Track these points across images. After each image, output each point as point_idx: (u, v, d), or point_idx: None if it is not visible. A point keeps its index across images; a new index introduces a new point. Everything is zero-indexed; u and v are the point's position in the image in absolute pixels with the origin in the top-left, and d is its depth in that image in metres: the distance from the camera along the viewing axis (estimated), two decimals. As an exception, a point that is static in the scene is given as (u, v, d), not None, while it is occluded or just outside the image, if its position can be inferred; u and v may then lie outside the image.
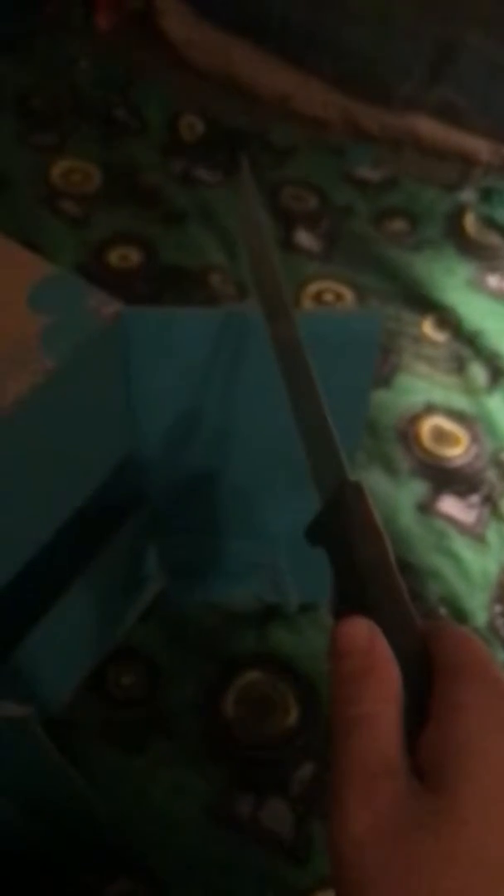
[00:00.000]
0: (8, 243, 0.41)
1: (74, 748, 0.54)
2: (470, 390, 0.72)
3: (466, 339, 0.75)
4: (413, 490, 0.66)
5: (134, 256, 0.81)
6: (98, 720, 0.55)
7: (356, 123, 0.94)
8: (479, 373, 0.73)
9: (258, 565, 0.57)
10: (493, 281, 0.80)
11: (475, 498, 0.66)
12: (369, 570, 0.28)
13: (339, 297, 0.78)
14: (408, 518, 0.64)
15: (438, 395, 0.71)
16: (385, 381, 0.72)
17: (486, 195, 0.88)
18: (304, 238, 0.83)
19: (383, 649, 0.27)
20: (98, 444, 0.44)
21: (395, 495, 0.65)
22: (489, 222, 0.85)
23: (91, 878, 0.50)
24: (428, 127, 0.91)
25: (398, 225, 0.85)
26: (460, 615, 0.60)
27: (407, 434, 0.69)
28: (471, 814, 0.24)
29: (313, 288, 0.79)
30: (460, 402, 0.71)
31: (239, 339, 0.42)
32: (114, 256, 0.81)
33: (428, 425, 0.69)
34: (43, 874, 0.49)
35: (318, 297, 0.78)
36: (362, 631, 0.27)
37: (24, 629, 0.48)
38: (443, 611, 0.60)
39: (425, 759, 0.25)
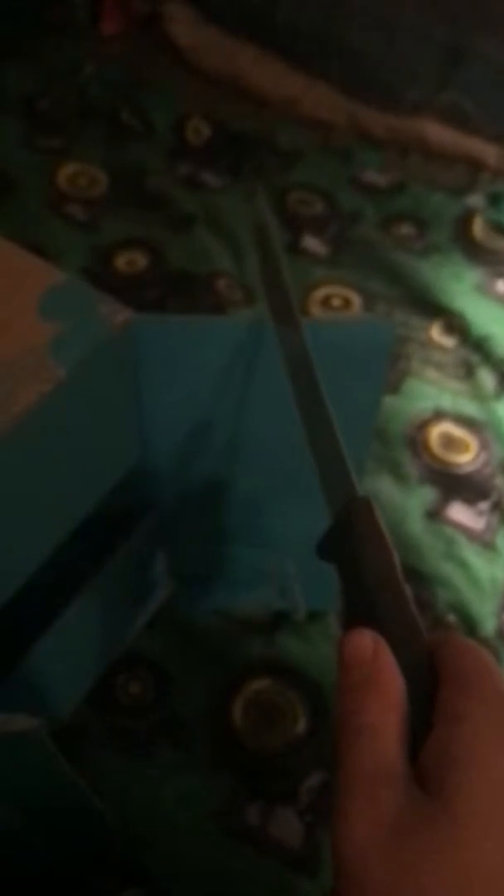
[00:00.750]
0: (17, 250, 0.41)
1: (82, 756, 0.54)
2: (478, 396, 0.71)
3: (475, 345, 0.75)
4: (422, 497, 0.66)
5: (141, 261, 0.81)
6: (106, 728, 0.55)
7: (363, 128, 0.94)
8: (487, 378, 0.73)
9: (266, 573, 0.57)
10: (501, 286, 0.80)
11: (484, 505, 0.65)
12: (376, 586, 0.29)
13: (346, 302, 0.78)
14: (416, 525, 0.64)
15: (447, 401, 0.71)
16: (393, 387, 0.72)
17: (494, 200, 0.88)
18: (311, 243, 0.83)
19: (387, 660, 0.27)
20: (108, 451, 0.44)
21: (403, 502, 0.65)
22: (497, 227, 0.85)
23: (100, 887, 0.49)
24: (435, 131, 0.91)
25: (406, 230, 0.85)
26: (469, 622, 0.60)
27: (415, 440, 0.68)
28: (470, 822, 0.24)
29: (321, 293, 0.79)
30: (469, 408, 0.71)
31: (250, 348, 0.42)
32: (121, 261, 0.80)
33: (436, 432, 0.69)
34: (52, 884, 0.48)
35: (325, 302, 0.78)
36: (367, 642, 0.27)
37: (33, 637, 0.48)
38: (451, 618, 0.60)
39: (426, 768, 0.25)
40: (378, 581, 0.29)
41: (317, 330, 0.36)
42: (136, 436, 0.45)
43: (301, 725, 0.56)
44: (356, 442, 0.35)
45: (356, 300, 0.78)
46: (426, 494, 0.66)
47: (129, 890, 0.50)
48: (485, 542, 0.64)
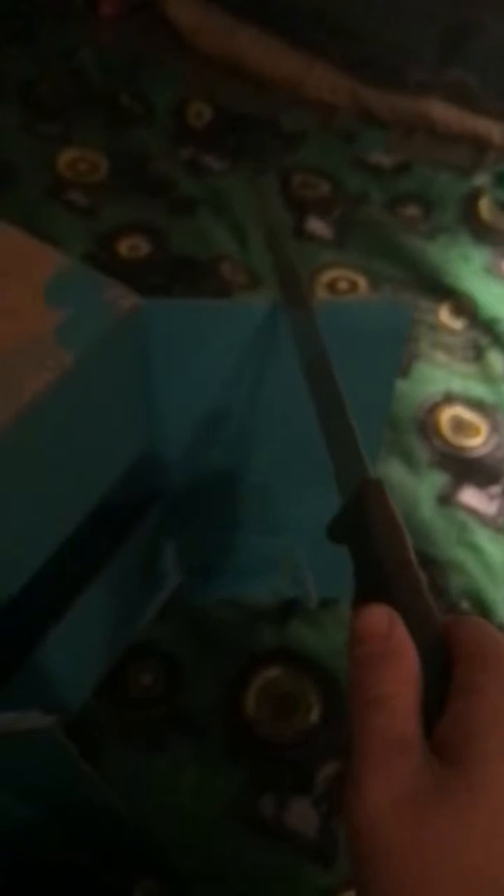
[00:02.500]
0: (21, 235, 0.40)
1: (94, 748, 0.54)
2: (489, 378, 0.70)
3: (484, 327, 0.74)
4: (433, 482, 0.65)
5: (144, 246, 0.79)
6: (118, 719, 0.55)
7: (367, 108, 0.92)
8: (497, 360, 0.72)
9: (277, 561, 0.56)
10: (509, 267, 0.79)
11: (496, 489, 0.65)
12: (389, 565, 0.29)
13: (353, 285, 0.77)
14: (428, 510, 0.63)
15: (457, 384, 0.70)
16: (402, 370, 0.71)
17: (501, 179, 0.86)
18: (316, 225, 0.82)
19: (402, 634, 0.27)
20: (116, 439, 0.43)
21: (415, 487, 0.64)
22: (504, 207, 0.84)
23: (116, 880, 0.49)
24: (440, 110, 0.89)
25: (412, 211, 0.84)
26: (483, 608, 0.59)
27: (426, 425, 0.68)
28: (490, 789, 0.25)
29: (327, 276, 0.78)
30: (479, 390, 0.70)
31: (260, 333, 0.41)
32: (123, 247, 0.79)
33: (447, 415, 0.68)
34: (68, 877, 0.48)
35: (331, 285, 0.77)
36: (382, 617, 0.28)
37: (43, 629, 0.47)
38: (465, 604, 0.59)
39: (443, 742, 0.26)
40: (390, 561, 0.29)
41: (333, 311, 0.35)
42: (144, 423, 0.44)
43: (314, 714, 0.55)
44: (369, 427, 0.34)
45: (363, 283, 0.77)
46: (437, 479, 0.65)
47: (144, 882, 0.49)
48: (497, 527, 0.63)
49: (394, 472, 0.65)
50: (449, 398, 0.69)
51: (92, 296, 0.37)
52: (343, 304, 0.43)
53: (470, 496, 0.64)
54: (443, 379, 0.70)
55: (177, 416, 0.45)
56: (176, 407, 0.44)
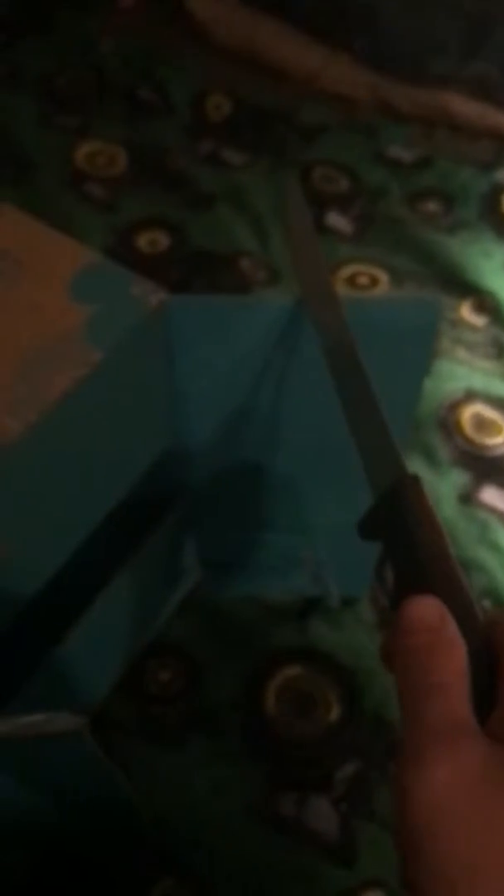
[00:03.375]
0: (46, 230, 0.40)
1: (112, 745, 0.53)
2: (511, 376, 0.70)
3: (506, 324, 0.73)
4: (454, 480, 0.64)
5: (163, 241, 0.79)
6: (136, 716, 0.54)
7: (387, 102, 0.92)
8: (519, 358, 0.71)
9: (298, 559, 0.56)
10: (531, 263, 0.78)
11: (518, 488, 0.64)
12: (430, 561, 0.29)
13: (373, 280, 0.76)
14: (450, 509, 0.63)
15: (479, 382, 0.69)
16: (423, 367, 0.70)
17: (523, 174, 0.85)
18: (336, 220, 0.81)
19: (453, 626, 0.28)
20: (141, 435, 0.42)
21: (436, 486, 0.64)
22: (527, 202, 0.83)
23: (135, 878, 0.49)
24: (462, 104, 0.88)
25: (432, 206, 0.83)
26: (505, 608, 0.59)
27: (447, 422, 0.67)
28: None
29: (347, 271, 0.77)
30: (501, 388, 0.69)
31: (286, 330, 0.40)
32: (142, 241, 0.79)
33: (468, 413, 0.68)
34: (87, 875, 0.48)
35: (351, 280, 0.76)
36: (435, 609, 0.28)
37: (64, 625, 0.47)
38: (487, 604, 0.59)
39: (495, 734, 0.26)
40: (432, 556, 0.29)
41: (360, 309, 0.35)
42: (168, 419, 0.43)
43: (334, 713, 0.55)
44: (399, 423, 0.34)
45: (383, 278, 0.77)
46: (459, 478, 0.64)
47: (164, 881, 0.49)
48: (519, 526, 0.62)
49: (414, 470, 0.64)
50: (470, 396, 0.69)
51: (119, 291, 0.37)
52: (370, 301, 0.42)
53: (491, 495, 0.64)
54: (464, 376, 0.70)
55: (201, 412, 0.45)
56: (200, 402, 0.44)
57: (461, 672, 0.27)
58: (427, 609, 0.28)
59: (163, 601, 0.57)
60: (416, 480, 0.31)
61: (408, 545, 0.30)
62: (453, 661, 0.27)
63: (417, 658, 0.27)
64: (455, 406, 0.68)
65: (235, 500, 0.52)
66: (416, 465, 0.65)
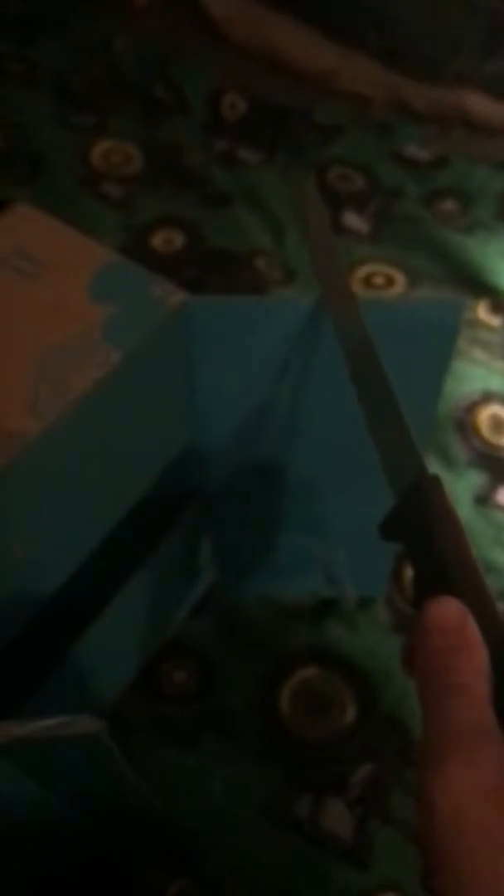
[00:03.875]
0: (65, 229, 0.40)
1: (127, 745, 0.53)
2: (528, 377, 0.69)
3: (523, 324, 0.73)
4: (471, 482, 0.64)
5: (178, 240, 0.79)
6: (150, 717, 0.54)
7: (403, 101, 0.91)
8: (536, 359, 0.71)
9: (314, 560, 0.56)
10: (548, 263, 0.78)
11: (535, 489, 0.64)
12: (452, 562, 0.29)
13: (389, 280, 0.76)
14: (466, 511, 0.62)
15: (496, 383, 0.69)
16: (439, 367, 0.70)
17: (540, 174, 0.85)
18: (352, 220, 0.81)
19: (474, 628, 0.28)
20: (159, 435, 0.42)
21: (452, 487, 0.63)
22: (544, 202, 0.82)
23: (150, 879, 0.49)
24: (479, 103, 0.88)
25: (449, 205, 0.82)
26: (521, 611, 0.58)
27: (464, 423, 0.67)
28: None
29: (363, 271, 0.77)
30: (518, 389, 0.69)
31: (304, 330, 0.40)
32: (157, 240, 0.79)
33: (485, 414, 0.67)
34: (102, 875, 0.48)
35: (367, 280, 0.76)
36: (456, 610, 0.28)
37: (81, 625, 0.47)
38: (502, 606, 0.58)
39: None
40: (453, 557, 0.29)
41: (381, 309, 0.34)
42: (186, 419, 0.43)
43: (350, 715, 0.54)
44: (420, 425, 0.34)
45: (399, 278, 0.76)
46: (475, 479, 0.64)
47: (179, 881, 0.49)
48: (536, 528, 0.62)
49: (431, 471, 0.64)
50: (487, 397, 0.68)
51: (139, 292, 0.37)
52: (392, 302, 0.42)
53: (508, 496, 0.63)
54: (481, 377, 0.69)
55: (219, 412, 0.44)
56: (219, 403, 0.44)
57: (482, 674, 0.27)
58: (448, 610, 0.28)
59: (178, 602, 0.57)
60: (436, 481, 0.31)
61: (429, 546, 0.30)
62: (474, 662, 0.27)
63: (438, 659, 0.27)
64: (472, 407, 0.68)
65: (252, 501, 0.52)
66: (432, 466, 0.64)
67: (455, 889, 0.25)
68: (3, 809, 0.37)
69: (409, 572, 0.59)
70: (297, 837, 0.50)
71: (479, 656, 0.27)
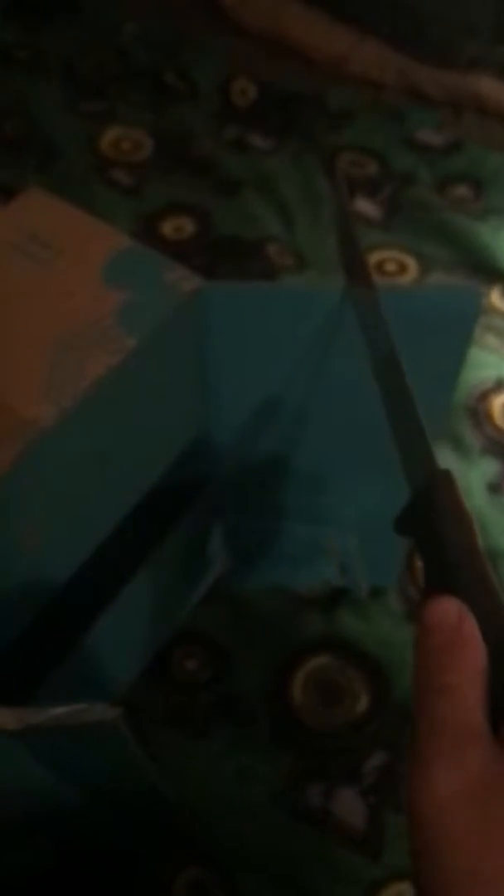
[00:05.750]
0: (78, 214, 0.40)
1: (138, 733, 0.53)
2: (541, 365, 0.69)
3: (536, 311, 0.72)
4: (484, 470, 0.63)
5: (188, 227, 0.78)
6: (162, 704, 0.54)
7: (415, 86, 0.90)
8: (550, 346, 0.70)
9: (326, 549, 0.55)
10: None
11: (549, 478, 0.63)
12: (458, 561, 0.29)
13: (402, 267, 0.75)
14: (479, 499, 0.62)
15: (509, 371, 0.68)
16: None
17: None
18: (364, 205, 0.80)
19: (471, 627, 0.27)
20: (171, 423, 0.42)
21: (465, 475, 0.63)
22: None
23: (160, 866, 0.49)
24: (492, 88, 0.87)
25: (462, 191, 0.82)
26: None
27: (477, 411, 0.66)
28: None
29: (375, 258, 0.76)
30: (531, 377, 0.68)
31: (319, 318, 0.40)
32: (168, 227, 0.78)
33: (499, 402, 0.67)
34: (113, 862, 0.48)
35: (379, 266, 0.75)
36: (452, 608, 0.28)
37: (94, 612, 0.47)
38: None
39: None
40: (459, 556, 0.29)
41: (399, 297, 0.34)
42: (199, 406, 0.43)
43: (362, 704, 0.54)
44: (437, 413, 0.33)
45: (412, 265, 0.76)
46: (488, 467, 0.64)
47: (190, 869, 0.49)
48: (550, 517, 0.61)
49: (444, 459, 0.63)
50: (501, 384, 0.68)
51: (153, 277, 0.36)
52: (411, 290, 0.42)
53: (522, 485, 0.63)
54: (494, 364, 0.69)
55: (232, 400, 0.44)
56: (231, 390, 0.43)
57: (476, 674, 0.27)
58: (445, 609, 0.28)
59: (189, 590, 0.57)
60: (446, 477, 0.31)
61: (436, 543, 0.30)
62: (469, 662, 0.27)
63: (431, 657, 0.27)
64: (485, 395, 0.67)
65: (263, 490, 0.52)
66: (445, 454, 0.64)
67: (440, 890, 0.24)
68: (15, 797, 0.37)
69: (420, 562, 0.59)
70: (309, 826, 0.50)
71: (474, 656, 0.27)
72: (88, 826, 0.44)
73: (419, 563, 0.59)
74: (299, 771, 0.52)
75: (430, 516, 0.30)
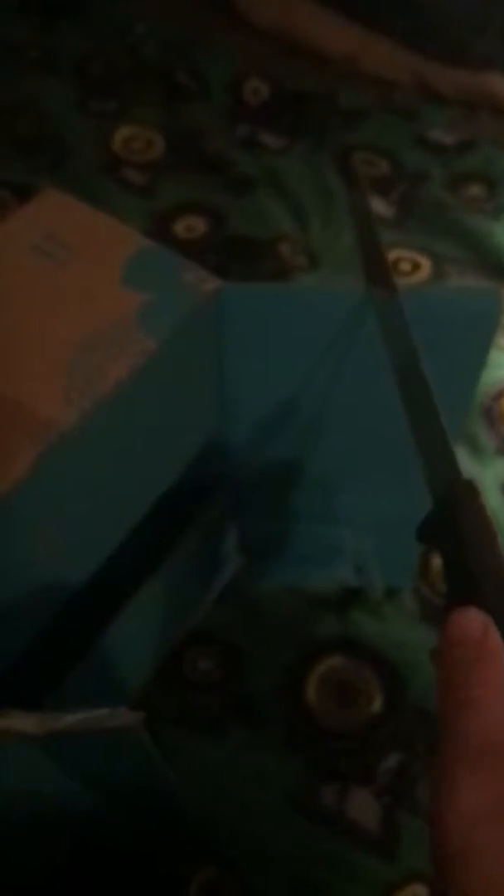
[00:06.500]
0: (94, 214, 0.39)
1: (152, 733, 0.53)
2: None
3: (550, 311, 0.72)
4: (498, 470, 0.63)
5: (200, 226, 0.78)
6: (174, 704, 0.54)
7: (428, 84, 0.90)
8: None
9: (341, 550, 0.55)
10: None
11: None
12: (481, 572, 0.29)
13: (415, 266, 0.75)
14: (493, 499, 0.62)
15: (523, 370, 0.68)
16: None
17: None
18: (376, 205, 0.80)
19: (496, 641, 0.27)
20: (189, 423, 0.42)
21: (479, 476, 0.63)
22: None
23: (175, 867, 0.49)
24: (505, 86, 0.86)
25: (475, 190, 0.81)
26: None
27: (491, 411, 0.66)
28: None
29: (388, 257, 0.76)
30: (545, 377, 0.68)
31: (339, 320, 0.40)
32: (180, 227, 0.78)
33: (513, 402, 0.67)
34: (127, 864, 0.48)
35: (393, 266, 0.75)
36: (477, 621, 0.27)
37: (107, 616, 0.47)
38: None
39: None
40: (483, 567, 0.29)
41: (419, 299, 0.34)
42: (216, 407, 0.43)
43: (377, 704, 0.54)
44: (456, 415, 0.33)
45: (425, 264, 0.75)
46: (503, 467, 0.63)
47: (204, 870, 0.49)
48: None
49: (458, 459, 0.63)
50: (515, 384, 0.68)
51: (172, 278, 0.36)
52: (429, 292, 0.42)
53: (536, 485, 0.63)
54: (508, 365, 0.69)
55: (248, 401, 0.44)
56: (248, 391, 0.43)
57: (500, 687, 0.26)
58: (470, 620, 0.27)
59: (203, 590, 0.57)
60: (471, 486, 0.31)
61: (459, 554, 0.29)
62: (492, 675, 0.26)
63: (456, 671, 0.27)
64: (500, 395, 0.67)
65: (278, 491, 0.52)
66: (460, 456, 0.63)
67: None
68: (31, 798, 0.37)
69: (436, 563, 0.59)
70: (323, 827, 0.50)
71: (499, 670, 0.27)
72: (104, 826, 0.44)
73: (435, 565, 0.59)
74: (313, 771, 0.52)
75: (454, 526, 0.30)
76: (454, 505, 0.30)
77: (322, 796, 0.51)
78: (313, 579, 0.58)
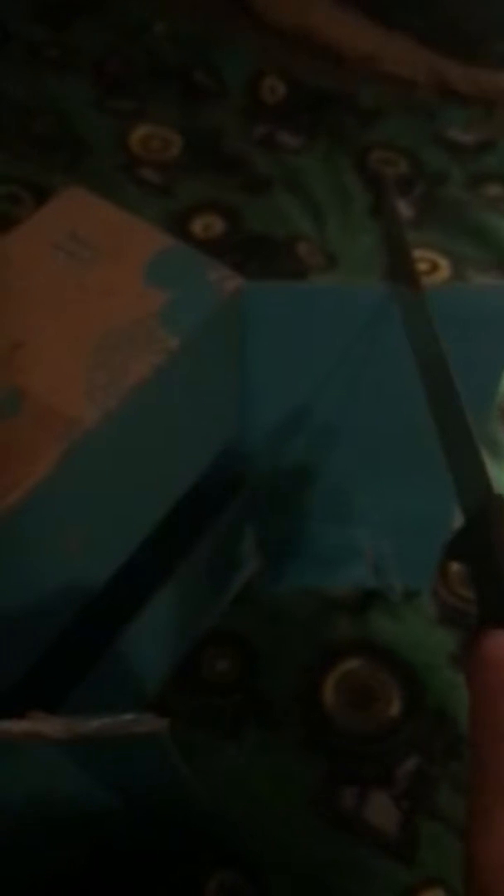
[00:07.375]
0: (118, 212, 0.39)
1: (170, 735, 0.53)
2: None
3: None
4: (517, 472, 0.63)
5: (218, 225, 0.78)
6: (192, 706, 0.54)
7: (446, 83, 0.89)
8: None
9: (359, 551, 0.55)
10: None
11: None
12: None
13: (434, 266, 0.75)
14: (513, 501, 0.61)
15: (543, 372, 0.67)
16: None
17: None
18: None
19: None
20: (210, 422, 0.42)
21: (498, 478, 0.62)
22: None
23: (193, 869, 0.48)
24: (524, 85, 0.86)
25: (494, 190, 0.81)
26: None
27: (511, 412, 0.65)
28: None
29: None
30: None
31: (361, 320, 0.39)
32: (197, 226, 0.78)
33: (533, 403, 0.66)
34: (145, 865, 0.48)
35: (411, 267, 0.75)
36: None
37: (125, 616, 0.47)
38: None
39: None
40: None
41: (440, 297, 0.33)
42: (236, 406, 0.43)
43: (395, 708, 0.54)
44: (480, 416, 0.33)
45: (444, 264, 0.75)
46: (522, 469, 0.63)
47: (221, 872, 0.49)
48: None
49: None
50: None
51: (195, 277, 0.36)
52: (453, 291, 0.41)
53: None
54: (528, 365, 0.68)
55: (267, 401, 0.44)
56: (268, 391, 0.43)
57: None
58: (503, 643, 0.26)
59: (221, 591, 0.57)
60: (502, 501, 0.30)
61: (491, 571, 0.28)
62: None
63: (490, 696, 0.26)
64: (519, 396, 0.66)
65: (297, 492, 0.52)
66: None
67: None
68: (51, 800, 0.37)
69: (455, 565, 0.58)
70: (341, 830, 0.50)
71: None
72: (122, 828, 0.44)
73: (454, 568, 0.58)
74: (331, 774, 0.51)
75: (487, 544, 0.29)
76: (488, 522, 0.29)
77: (340, 799, 0.51)
78: (331, 581, 0.58)
